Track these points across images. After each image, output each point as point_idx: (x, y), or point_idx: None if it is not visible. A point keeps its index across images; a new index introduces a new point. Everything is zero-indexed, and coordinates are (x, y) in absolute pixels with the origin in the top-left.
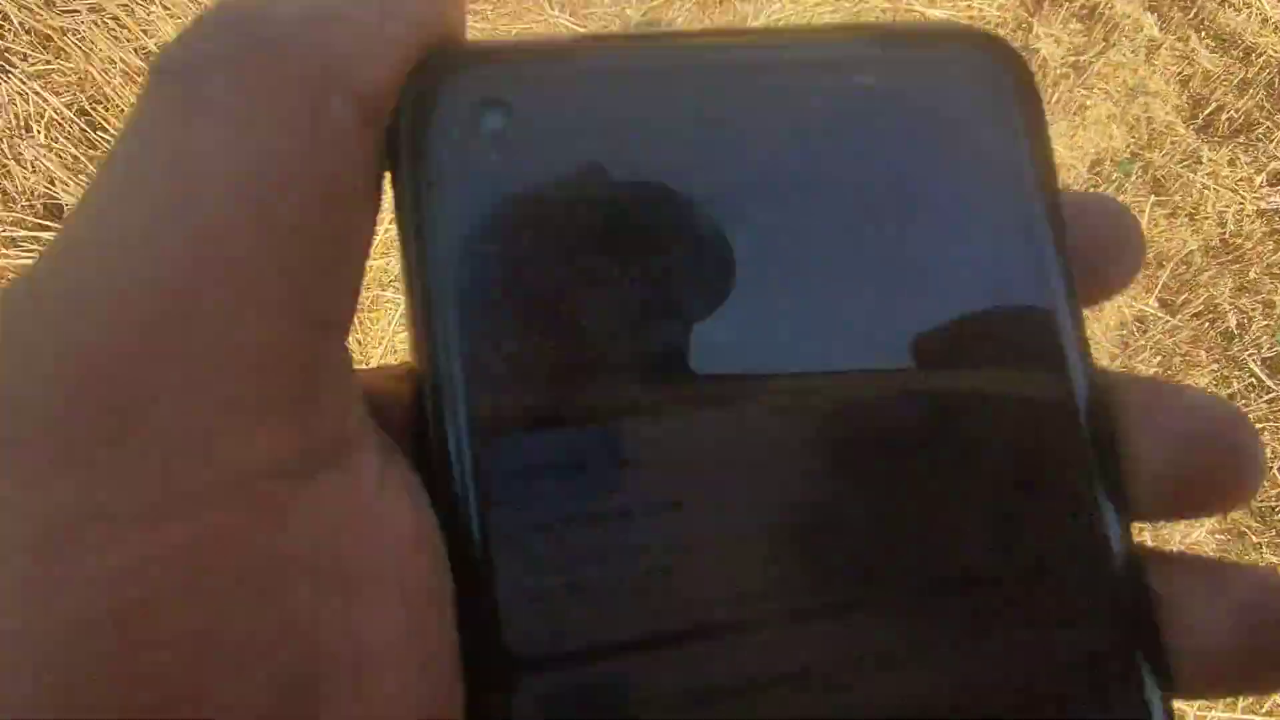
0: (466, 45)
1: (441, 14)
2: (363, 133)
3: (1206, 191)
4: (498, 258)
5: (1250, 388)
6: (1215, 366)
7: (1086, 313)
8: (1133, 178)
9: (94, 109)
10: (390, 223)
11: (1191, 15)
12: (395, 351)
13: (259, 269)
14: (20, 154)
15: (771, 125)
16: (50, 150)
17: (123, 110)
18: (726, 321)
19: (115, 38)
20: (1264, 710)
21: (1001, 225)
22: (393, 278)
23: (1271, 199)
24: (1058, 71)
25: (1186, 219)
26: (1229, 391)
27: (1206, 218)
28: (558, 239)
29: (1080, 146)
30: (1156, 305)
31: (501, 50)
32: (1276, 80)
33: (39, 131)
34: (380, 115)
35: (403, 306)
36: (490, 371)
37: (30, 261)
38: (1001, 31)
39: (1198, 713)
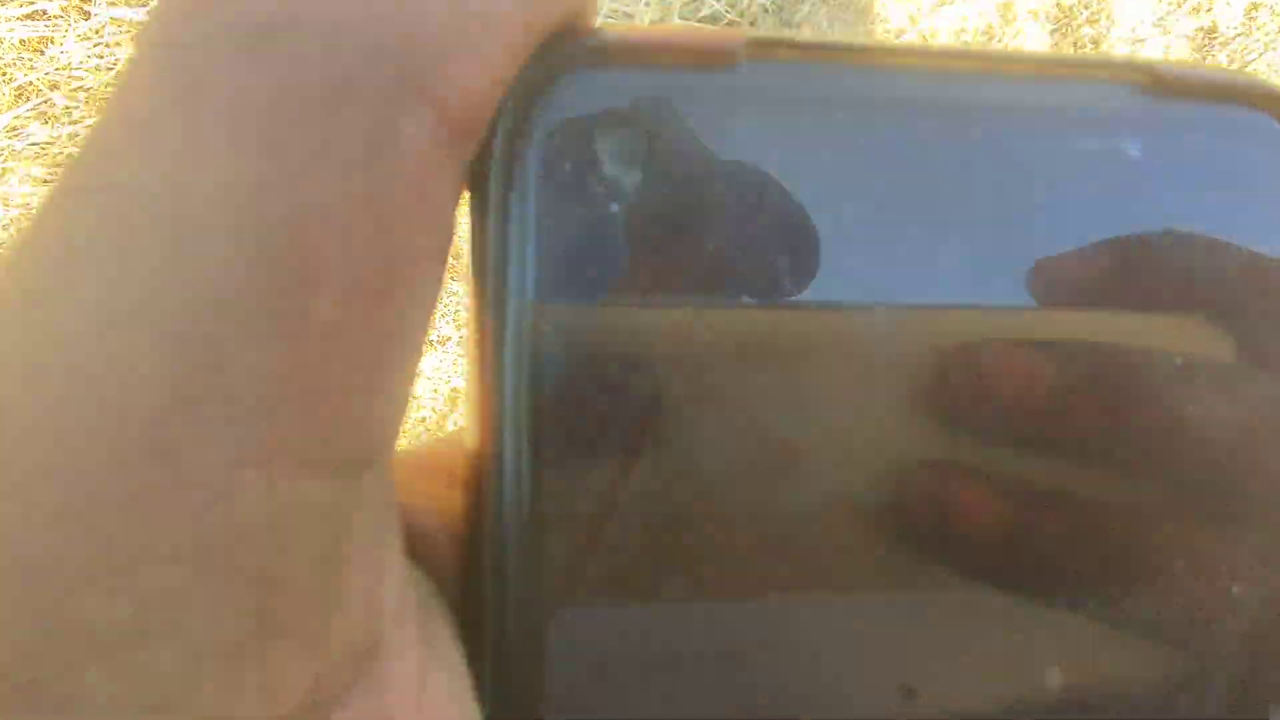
0: (597, 35)
1: None
2: (443, 164)
3: None
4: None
5: None
6: None
7: None
8: None
9: None
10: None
11: None
12: None
13: (264, 397)
14: None
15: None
16: None
17: None
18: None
19: None
20: None
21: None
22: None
23: None
24: None
25: None
26: None
27: None
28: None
29: None
30: None
31: (648, 45)
32: None
33: None
34: (470, 137)
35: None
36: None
37: None
38: None
39: None
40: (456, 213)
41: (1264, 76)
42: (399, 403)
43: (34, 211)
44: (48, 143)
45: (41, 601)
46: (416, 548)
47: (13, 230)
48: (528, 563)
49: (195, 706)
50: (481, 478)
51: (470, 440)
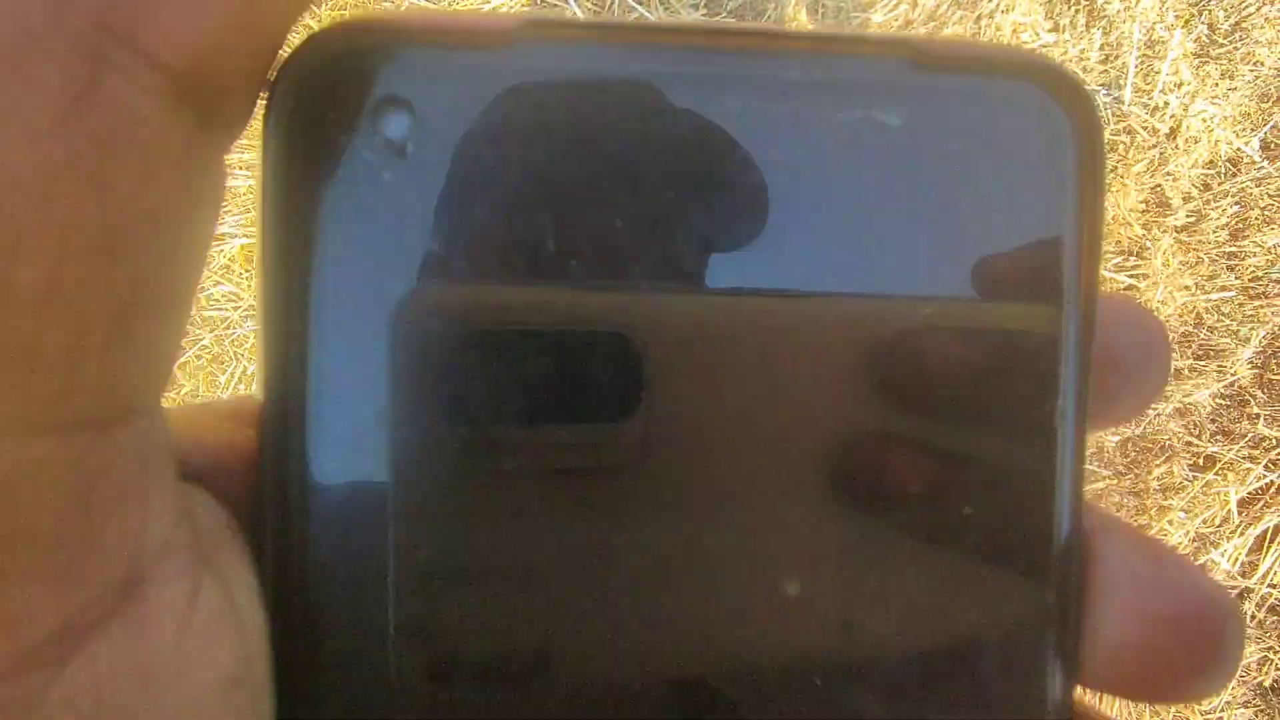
0: (364, 21)
1: None
2: (167, 118)
3: None
4: (374, 304)
5: None
6: None
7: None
8: None
9: None
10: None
11: None
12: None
13: (3, 353)
14: None
15: (772, 168)
16: None
17: None
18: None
19: None
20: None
21: (1021, 324)
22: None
23: None
24: None
25: None
26: None
27: None
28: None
29: None
30: (1258, 147)
31: (418, 26)
32: None
33: None
34: (207, 87)
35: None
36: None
37: None
38: None
39: None
40: (201, 165)
41: (1037, 50)
42: (152, 359)
43: None
44: None
45: None
46: (215, 482)
47: None
48: (294, 452)
49: None
50: (264, 391)
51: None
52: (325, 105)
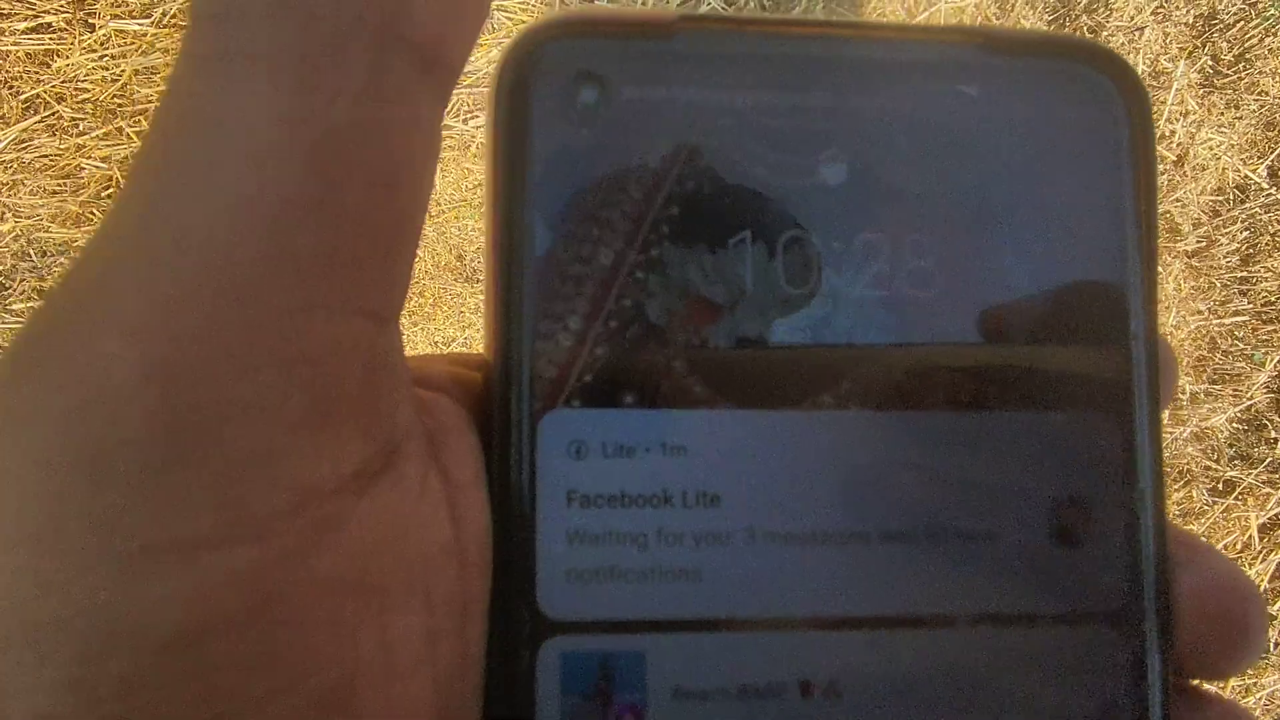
0: (569, 12)
1: None
2: (424, 93)
3: None
4: (580, 242)
5: None
6: None
7: None
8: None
9: None
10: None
11: None
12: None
13: (322, 263)
14: None
15: (871, 126)
16: None
17: None
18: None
19: None
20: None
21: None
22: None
23: None
24: None
25: None
26: None
27: None
28: (637, 229)
29: None
30: (1265, 174)
31: (605, 21)
32: None
33: None
34: (443, 70)
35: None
36: (557, 355)
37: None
38: None
39: None
40: (438, 128)
41: (1102, 41)
42: (405, 275)
43: (151, 128)
44: (56, 154)
45: (182, 395)
46: (456, 392)
47: (23, 242)
48: (525, 381)
49: (293, 458)
50: (496, 326)
51: (487, 310)
52: (537, 79)
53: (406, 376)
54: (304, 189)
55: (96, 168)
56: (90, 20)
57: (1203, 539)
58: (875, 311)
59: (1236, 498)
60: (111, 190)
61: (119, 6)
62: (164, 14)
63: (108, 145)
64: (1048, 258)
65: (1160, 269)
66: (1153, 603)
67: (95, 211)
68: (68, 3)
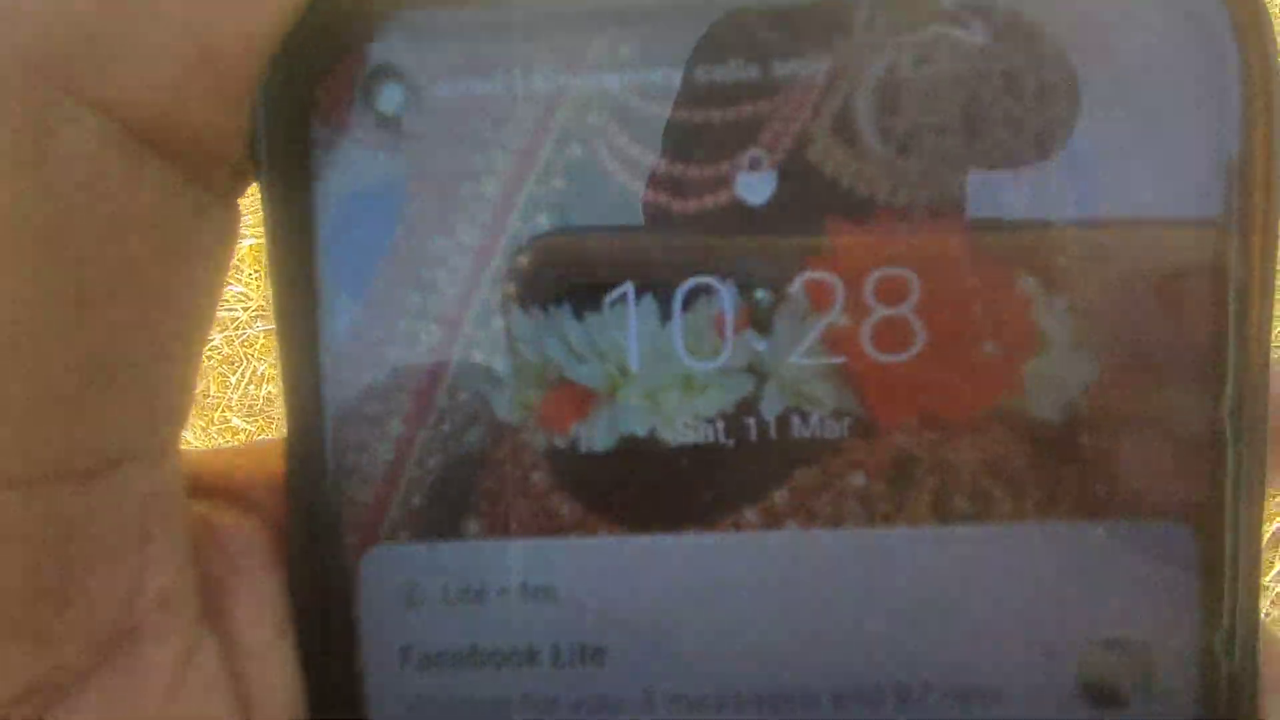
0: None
1: None
2: (130, 165)
3: None
4: (393, 313)
5: None
6: None
7: None
8: None
9: None
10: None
11: None
12: None
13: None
14: None
15: (817, 105)
16: None
17: None
18: None
19: None
20: None
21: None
22: None
23: None
24: None
25: None
26: None
27: None
28: (472, 289)
29: None
30: None
31: None
32: None
33: None
34: (171, 139)
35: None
36: (373, 470)
37: None
38: None
39: None
40: (190, 214)
41: None
42: (146, 409)
43: None
44: None
45: None
46: (261, 516)
47: None
48: (333, 510)
49: None
50: (290, 443)
51: (284, 417)
52: (315, 88)
53: (165, 522)
54: None
55: None
56: None
57: None
58: (821, 388)
59: None
60: None
61: None
62: None
63: None
64: (1093, 306)
65: None
66: None
67: None
68: None
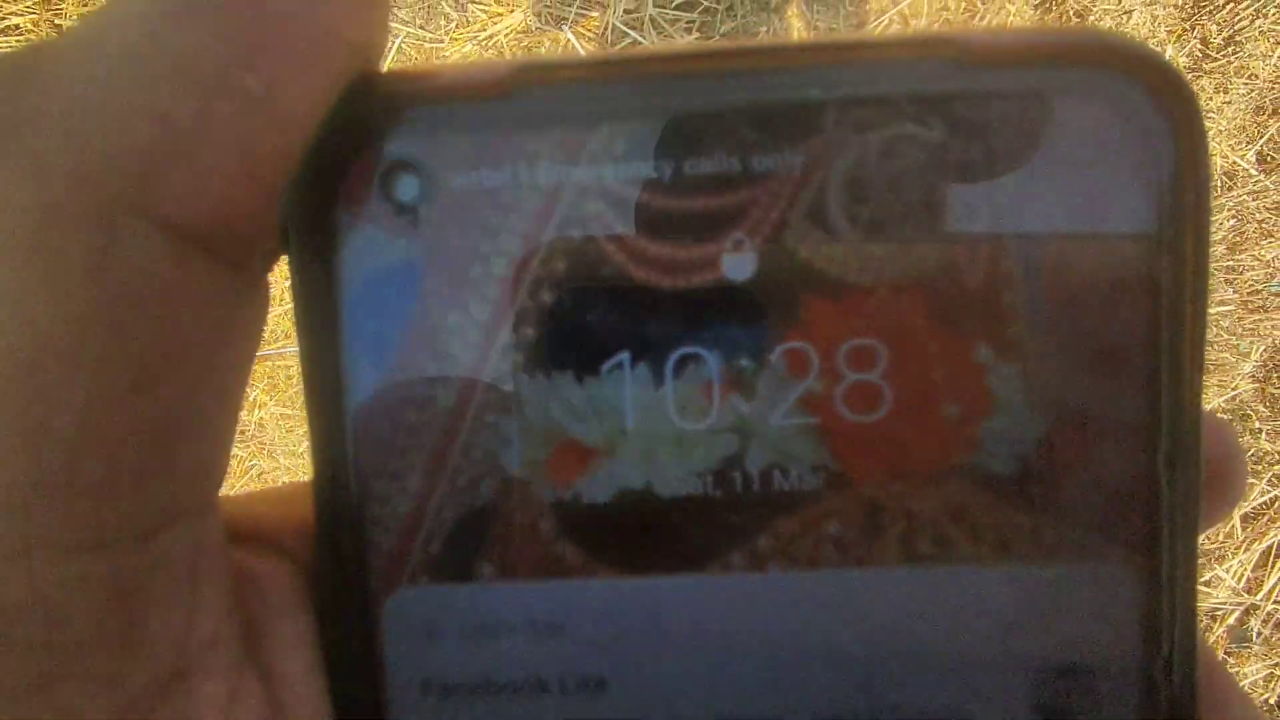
0: (385, 80)
1: (370, 35)
2: (182, 267)
3: None
4: (413, 380)
5: None
6: None
7: None
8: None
9: None
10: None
11: None
12: None
13: (39, 493)
14: None
15: (792, 196)
16: None
17: None
18: None
19: None
20: None
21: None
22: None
23: None
24: None
25: None
26: None
27: None
28: (484, 358)
29: None
30: (1254, 160)
31: (419, 85)
32: None
33: None
34: (222, 234)
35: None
36: (395, 522)
37: None
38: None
39: None
40: (232, 297)
41: (1121, 34)
42: (196, 473)
43: None
44: None
45: None
46: (291, 560)
47: None
48: (359, 557)
49: None
50: (319, 497)
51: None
52: (339, 177)
53: (211, 571)
54: (7, 401)
55: None
56: (57, 21)
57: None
58: (800, 445)
59: None
60: None
61: (85, 5)
62: None
63: None
64: (1041, 371)
65: None
66: None
67: None
68: (35, 4)
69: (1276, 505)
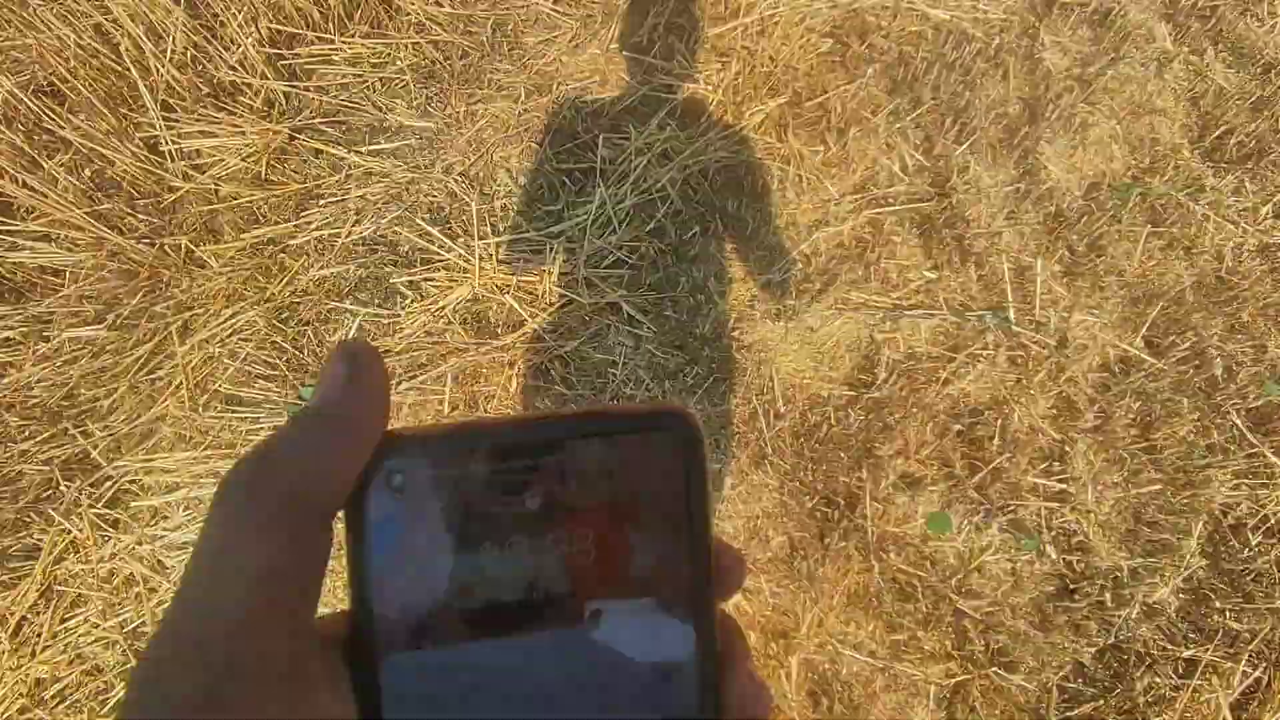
0: (390, 433)
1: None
2: (324, 535)
3: (1206, 223)
4: (403, 563)
5: (1231, 440)
6: (1196, 416)
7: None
8: (1130, 205)
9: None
10: None
11: (1210, 26)
12: None
13: (277, 649)
14: None
15: (551, 475)
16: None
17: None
18: None
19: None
20: None
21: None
22: None
23: (1275, 233)
24: (1061, 84)
25: (1183, 252)
26: (1208, 442)
27: (1204, 252)
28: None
29: (1078, 168)
30: (1143, 346)
31: (408, 440)
32: None
33: None
34: (331, 519)
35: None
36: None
37: None
38: (1006, 37)
39: None
40: (325, 547)
41: (669, 405)
42: (314, 608)
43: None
44: (1, 462)
45: None
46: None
47: None
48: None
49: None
50: (354, 636)
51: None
52: (374, 474)
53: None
54: (258, 599)
55: (38, 471)
56: (45, 334)
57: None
58: (556, 567)
59: (1201, 677)
60: (50, 492)
61: (74, 317)
62: (117, 317)
63: (51, 448)
64: (647, 544)
65: (1068, 449)
66: None
67: (31, 514)
68: (26, 318)
69: (1263, 687)
